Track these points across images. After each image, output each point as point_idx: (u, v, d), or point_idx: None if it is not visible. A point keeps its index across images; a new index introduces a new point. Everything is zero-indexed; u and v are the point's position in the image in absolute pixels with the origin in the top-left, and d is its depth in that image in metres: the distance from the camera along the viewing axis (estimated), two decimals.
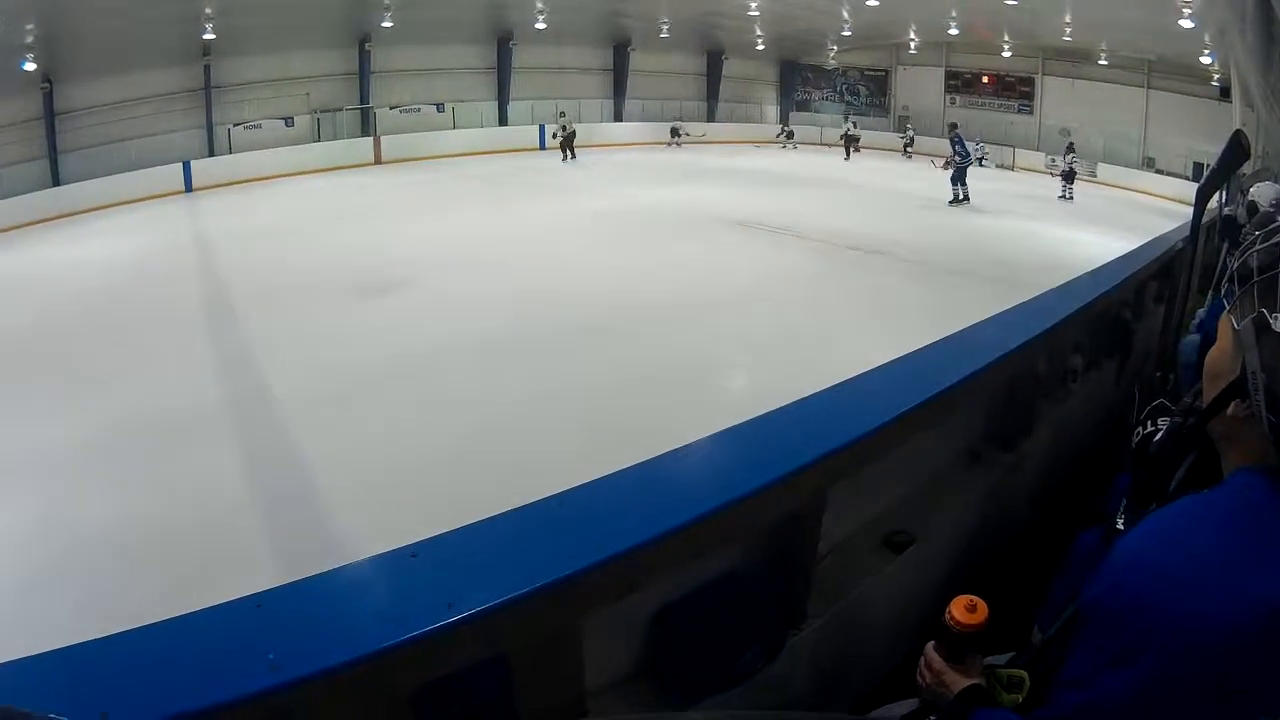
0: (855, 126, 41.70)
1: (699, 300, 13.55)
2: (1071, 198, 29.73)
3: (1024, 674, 1.76)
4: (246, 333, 12.36)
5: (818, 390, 2.95)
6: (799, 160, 37.17)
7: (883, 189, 28.63)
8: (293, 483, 8.03)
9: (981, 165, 34.63)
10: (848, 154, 39.48)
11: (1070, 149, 31.52)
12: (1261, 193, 6.48)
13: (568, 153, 34.39)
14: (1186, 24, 26.39)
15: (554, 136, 35.19)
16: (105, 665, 1.50)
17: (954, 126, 27.78)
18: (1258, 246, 1.46)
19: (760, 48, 44.45)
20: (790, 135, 43.81)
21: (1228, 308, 1.50)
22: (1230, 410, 1.47)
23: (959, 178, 25.69)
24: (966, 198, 25.48)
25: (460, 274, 15.34)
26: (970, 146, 27.66)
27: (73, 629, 1.77)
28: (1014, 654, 1.99)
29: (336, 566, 1.81)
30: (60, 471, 8.29)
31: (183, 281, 15.39)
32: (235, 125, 30.36)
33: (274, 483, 8.06)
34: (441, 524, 1.91)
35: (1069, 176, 30.38)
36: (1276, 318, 1.36)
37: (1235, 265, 1.49)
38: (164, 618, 1.57)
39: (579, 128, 35.80)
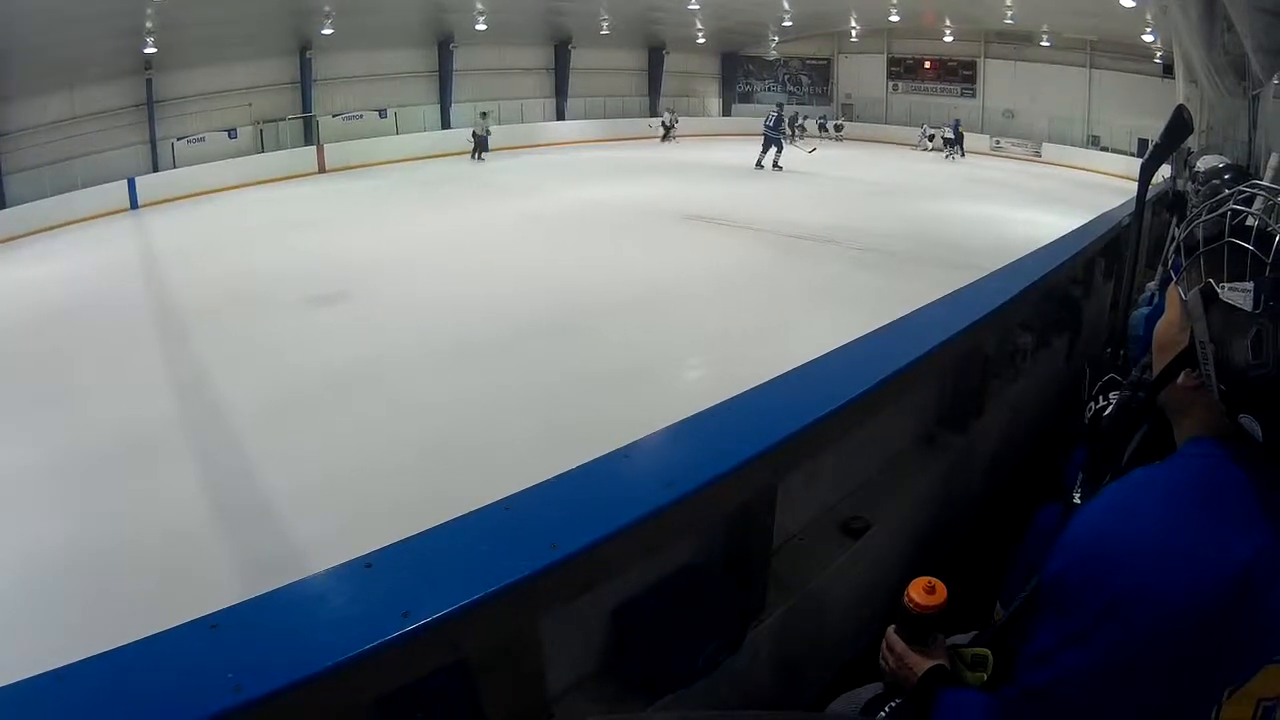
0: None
1: (650, 296, 13.62)
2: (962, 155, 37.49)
3: (987, 652, 1.78)
4: (198, 347, 12.27)
5: (769, 379, 2.94)
6: (742, 152, 37.29)
7: (825, 177, 28.80)
8: (250, 496, 8.02)
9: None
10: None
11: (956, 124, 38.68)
12: (1207, 165, 6.56)
13: (478, 154, 34.73)
14: (1128, 2, 26.77)
15: (471, 137, 35.31)
16: (62, 696, 1.47)
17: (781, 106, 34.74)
18: (1204, 218, 1.47)
19: (701, 41, 44.54)
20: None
21: (1175, 279, 1.50)
22: (1180, 380, 1.50)
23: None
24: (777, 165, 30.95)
25: (408, 279, 15.34)
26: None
27: (26, 657, 1.74)
28: (977, 633, 1.99)
29: (291, 581, 1.78)
30: (10, 493, 8.19)
31: (132, 299, 15.21)
32: (179, 139, 29.93)
33: (231, 497, 8.04)
34: (402, 531, 1.90)
35: (951, 142, 37.91)
36: (1224, 288, 1.38)
37: (1182, 236, 1.51)
38: (124, 640, 1.55)
39: (522, 128, 36.41)
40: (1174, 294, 1.52)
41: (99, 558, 7.01)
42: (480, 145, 34.85)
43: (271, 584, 1.75)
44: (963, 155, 38.00)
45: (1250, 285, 1.35)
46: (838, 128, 43.29)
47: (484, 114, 36.02)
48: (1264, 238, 1.37)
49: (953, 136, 38.72)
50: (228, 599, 1.70)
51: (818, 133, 42.48)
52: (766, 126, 31.57)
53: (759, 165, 31.18)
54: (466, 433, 9.00)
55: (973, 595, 2.53)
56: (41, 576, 6.81)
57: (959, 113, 41.48)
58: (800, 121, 42.11)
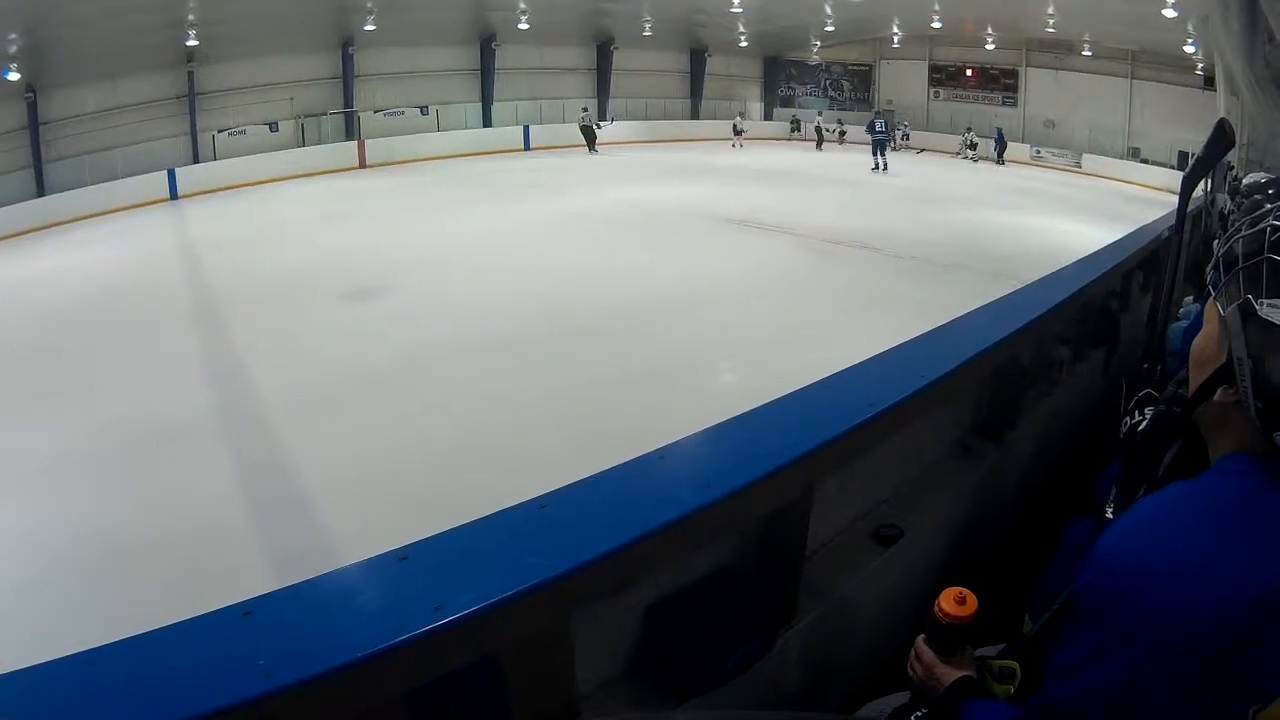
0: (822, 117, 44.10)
1: (687, 298, 13.56)
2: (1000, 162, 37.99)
3: (1015, 665, 1.77)
4: (234, 338, 12.36)
5: (805, 385, 2.94)
6: (781, 156, 37.23)
7: (867, 183, 28.73)
8: (284, 487, 8.04)
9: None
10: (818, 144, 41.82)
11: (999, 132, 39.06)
12: (1251, 180, 6.51)
13: (592, 148, 36.43)
14: (1170, 13, 26.50)
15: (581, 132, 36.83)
16: (94, 678, 1.49)
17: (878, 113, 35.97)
18: (1243, 233, 1.46)
19: (743, 44, 44.50)
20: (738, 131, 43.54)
21: (1213, 295, 1.50)
22: (1216, 396, 1.47)
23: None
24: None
25: (447, 276, 15.35)
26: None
27: (61, 641, 1.75)
28: (1005, 645, 1.99)
29: (326, 571, 1.79)
30: (49, 480, 8.28)
31: (169, 289, 15.37)
32: (219, 131, 30.28)
33: (265, 488, 8.06)
34: (434, 526, 1.91)
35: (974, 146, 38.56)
36: (1262, 304, 1.36)
37: (1221, 252, 1.50)
38: (156, 626, 1.56)
39: (564, 128, 37.03)
40: (1212, 309, 1.50)
41: (134, 545, 7.06)
42: (589, 138, 36.37)
43: (304, 575, 1.77)
44: (1001, 163, 38.08)
45: None
46: (905, 135, 43.10)
47: (585, 109, 37.45)
48: None
49: (979, 141, 39.77)
50: (261, 588, 1.72)
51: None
52: (877, 132, 33.25)
53: (876, 168, 32.52)
54: (500, 430, 9.00)
55: (1002, 607, 2.52)
56: (77, 562, 6.87)
57: (1000, 121, 41.28)
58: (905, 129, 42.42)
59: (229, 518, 7.46)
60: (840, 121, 43.78)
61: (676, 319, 12.60)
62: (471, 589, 1.66)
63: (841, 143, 41.69)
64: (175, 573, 6.50)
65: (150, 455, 8.66)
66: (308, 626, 1.64)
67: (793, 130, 45.97)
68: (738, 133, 41.46)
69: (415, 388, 10.16)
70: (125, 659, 1.51)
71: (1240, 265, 1.43)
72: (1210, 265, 1.53)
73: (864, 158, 33.81)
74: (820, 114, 43.82)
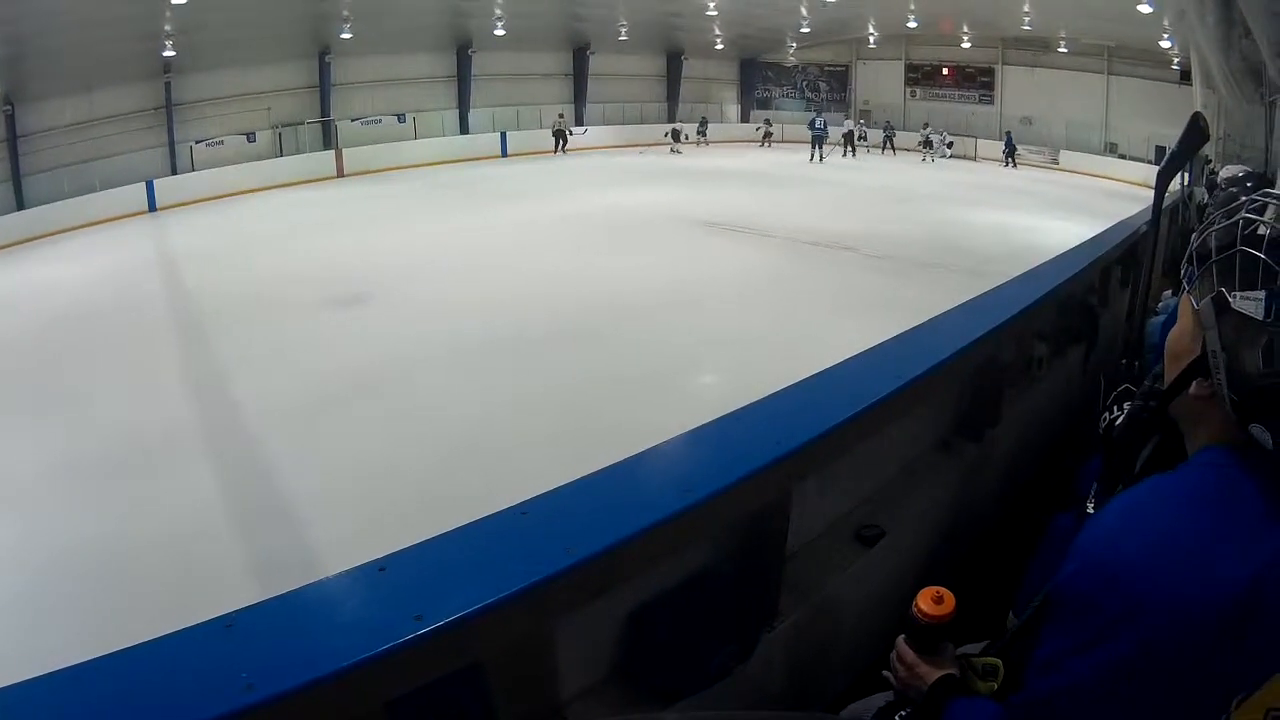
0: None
1: (667, 301, 13.62)
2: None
3: (998, 662, 1.77)
4: (216, 349, 12.38)
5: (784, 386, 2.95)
6: (755, 158, 37.42)
7: (841, 183, 28.82)
8: (269, 497, 8.07)
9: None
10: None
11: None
12: (1228, 173, 6.54)
13: (560, 148, 37.89)
14: (1145, 8, 26.75)
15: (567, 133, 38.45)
16: (78, 694, 1.49)
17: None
18: (1217, 226, 1.47)
19: (720, 47, 44.59)
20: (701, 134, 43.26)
21: (1187, 288, 1.50)
22: (1192, 390, 1.49)
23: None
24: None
25: (428, 282, 15.40)
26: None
27: (47, 656, 1.75)
28: (988, 642, 1.99)
29: (305, 584, 1.79)
30: (32, 493, 8.27)
31: (151, 301, 15.37)
32: (197, 142, 30.17)
33: (250, 498, 8.10)
34: (420, 534, 1.91)
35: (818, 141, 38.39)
36: (1236, 296, 1.38)
37: (1194, 245, 1.51)
38: (141, 640, 1.56)
39: (540, 133, 37.85)
40: (1186, 303, 1.52)
41: (116, 558, 7.06)
42: (561, 141, 37.70)
43: (290, 585, 1.76)
44: (1014, 166, 38.44)
45: (1262, 294, 1.34)
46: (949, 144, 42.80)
47: (560, 115, 38.86)
48: (1276, 246, 1.36)
49: (934, 139, 40.48)
50: (245, 599, 1.72)
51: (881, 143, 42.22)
52: (816, 129, 37.35)
53: (812, 159, 36.25)
54: (485, 436, 9.03)
55: (986, 604, 2.53)
56: (59, 575, 6.86)
57: (977, 120, 41.51)
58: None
59: (214, 528, 7.49)
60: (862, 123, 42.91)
61: (659, 321, 12.66)
62: (452, 597, 1.66)
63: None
64: (160, 585, 6.50)
65: (132, 466, 8.68)
66: (289, 638, 1.64)
67: (764, 138, 44.13)
68: (675, 138, 41.12)
69: (402, 393, 10.22)
70: (109, 674, 1.51)
71: (1213, 258, 1.45)
72: (1184, 259, 1.54)
73: (872, 161, 34.24)
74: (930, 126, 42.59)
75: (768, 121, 44.96)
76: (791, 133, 43.87)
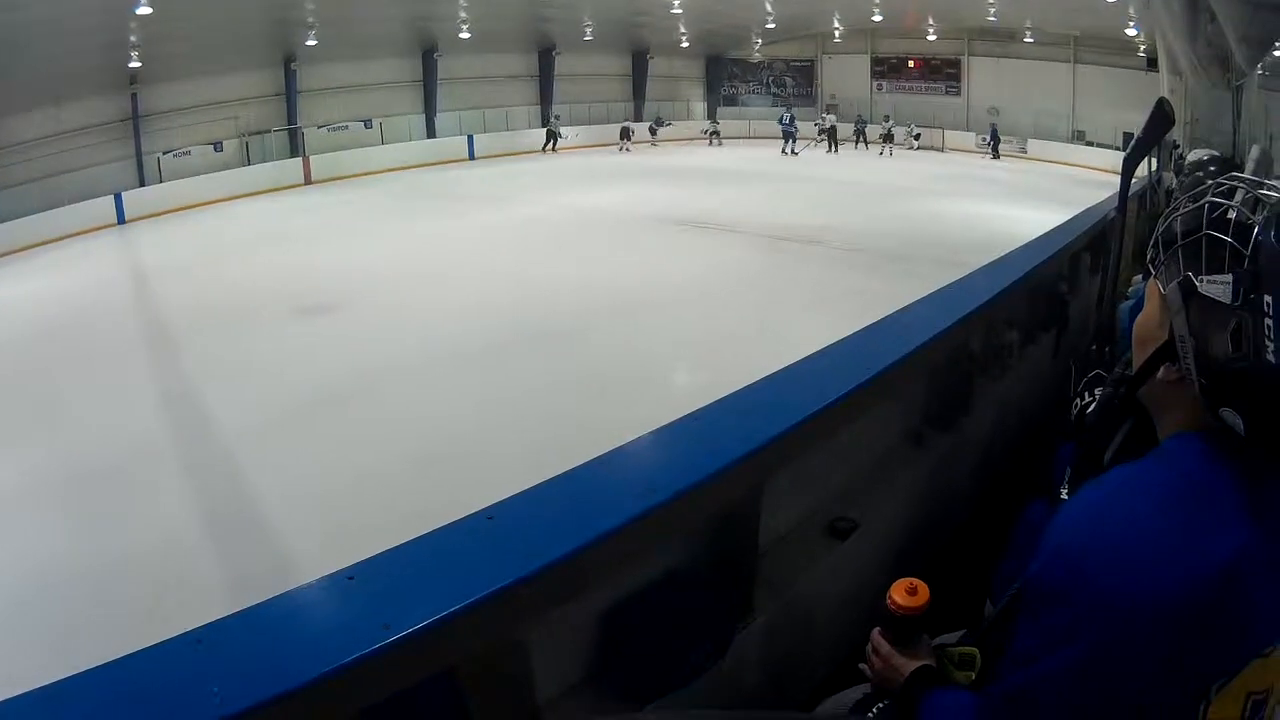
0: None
1: (640, 301, 13.65)
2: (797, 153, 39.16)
3: (975, 651, 1.77)
4: (187, 361, 12.33)
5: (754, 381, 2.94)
6: (726, 155, 37.55)
7: (810, 178, 28.91)
8: (240, 510, 8.04)
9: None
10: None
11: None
12: (1195, 158, 6.57)
13: (551, 146, 38.94)
14: None
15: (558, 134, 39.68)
16: (50, 714, 1.48)
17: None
18: (1182, 211, 1.46)
19: (685, 45, 44.68)
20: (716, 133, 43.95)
21: (1154, 273, 1.50)
22: (1160, 375, 1.49)
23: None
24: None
25: (396, 289, 15.39)
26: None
27: (15, 677, 1.72)
28: (965, 632, 1.99)
29: (274, 595, 1.78)
30: (2, 513, 8.19)
31: (121, 314, 15.26)
32: (165, 153, 29.94)
33: (221, 511, 8.07)
34: (390, 542, 1.90)
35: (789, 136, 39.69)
36: (1203, 280, 1.37)
37: (1160, 230, 1.50)
38: (111, 657, 1.55)
39: (507, 135, 38.13)
40: (1153, 288, 1.51)
41: (86, 574, 7.02)
42: (552, 140, 38.74)
43: (260, 597, 1.75)
44: (997, 157, 39.08)
45: (1229, 278, 1.33)
46: (860, 131, 42.85)
47: (556, 116, 39.94)
48: (1242, 230, 1.35)
49: (896, 132, 41.20)
50: (216, 613, 1.70)
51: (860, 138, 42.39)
52: (784, 124, 39.34)
53: (785, 153, 38.19)
54: (456, 442, 9.02)
55: (962, 593, 2.53)
56: (30, 592, 6.81)
57: (945, 112, 41.75)
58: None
59: (184, 541, 7.47)
60: (888, 118, 42.42)
61: (630, 321, 12.70)
62: (420, 604, 1.65)
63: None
64: (129, 598, 6.47)
65: (102, 482, 8.65)
66: (258, 651, 1.63)
67: (711, 135, 44.55)
68: (624, 137, 41.33)
69: (371, 402, 10.21)
70: (80, 694, 1.49)
71: (1179, 243, 1.45)
72: (1150, 244, 1.53)
73: (819, 153, 34.35)
74: (891, 119, 42.45)
75: (714, 120, 45.68)
76: (759, 129, 44.08)
